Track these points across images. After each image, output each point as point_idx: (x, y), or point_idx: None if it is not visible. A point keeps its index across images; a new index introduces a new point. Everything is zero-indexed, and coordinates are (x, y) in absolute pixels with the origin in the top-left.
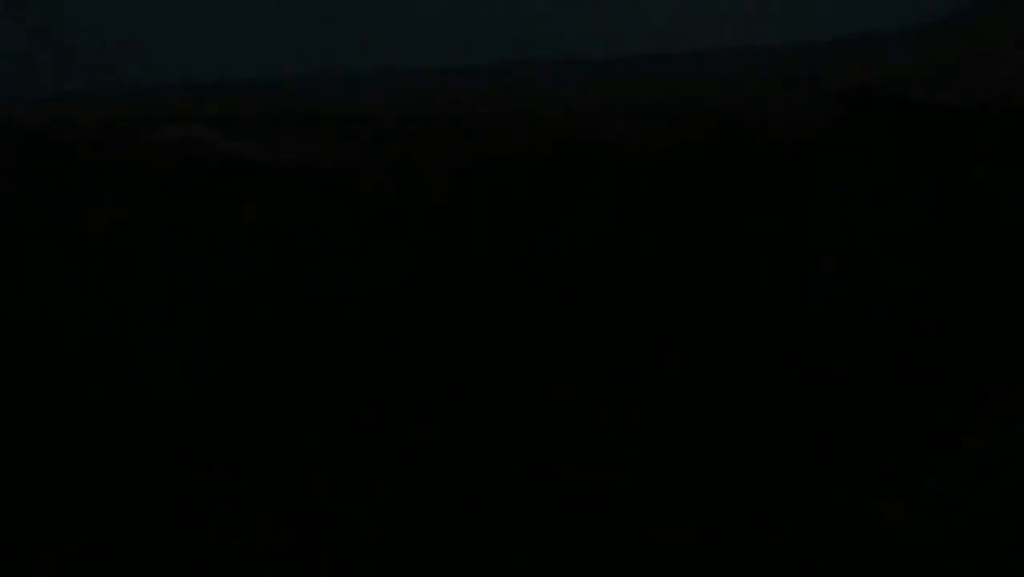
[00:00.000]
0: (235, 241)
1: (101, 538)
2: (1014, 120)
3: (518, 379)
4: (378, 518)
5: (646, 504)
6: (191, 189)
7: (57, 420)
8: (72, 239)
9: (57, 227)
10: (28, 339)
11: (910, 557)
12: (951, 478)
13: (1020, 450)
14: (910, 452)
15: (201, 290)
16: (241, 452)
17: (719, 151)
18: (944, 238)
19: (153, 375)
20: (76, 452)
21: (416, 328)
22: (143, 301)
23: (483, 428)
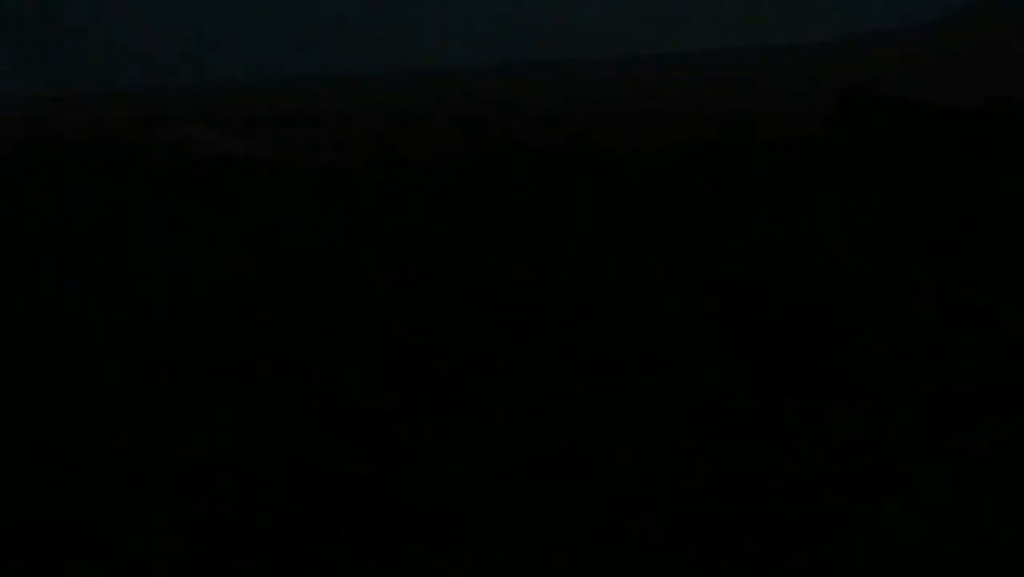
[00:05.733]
0: (234, 241)
1: (99, 536)
2: (1014, 120)
3: (517, 376)
4: (377, 516)
5: (646, 504)
6: (191, 189)
7: (57, 419)
8: (71, 238)
9: (56, 226)
10: (28, 337)
11: (910, 557)
12: (951, 478)
13: (1020, 450)
14: (910, 452)
15: (200, 288)
16: (241, 450)
17: (719, 150)
18: (944, 237)
19: (153, 373)
20: (75, 450)
21: (416, 326)
22: (142, 300)
23: (479, 424)
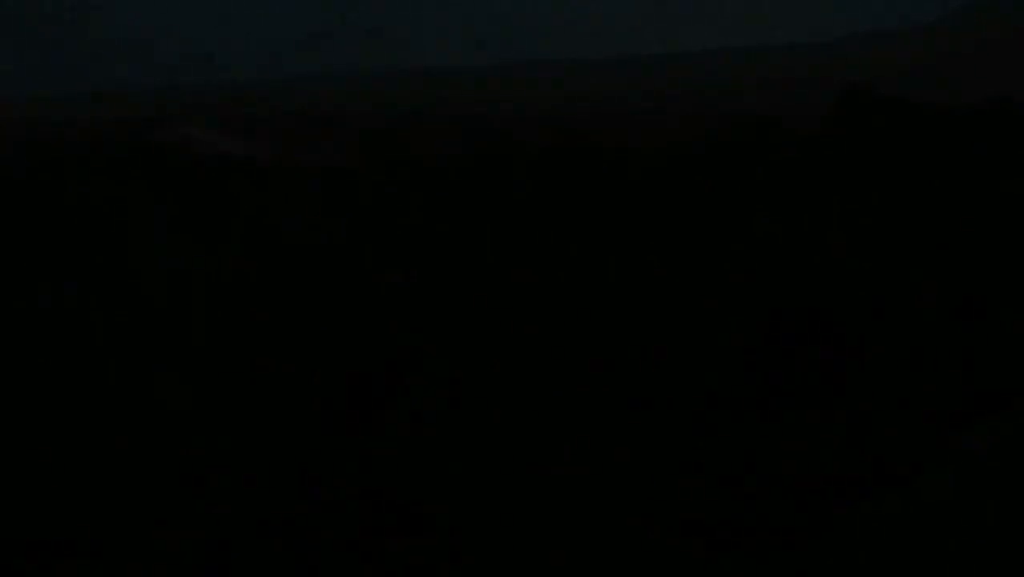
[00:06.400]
0: (234, 240)
1: (98, 536)
2: (1014, 120)
3: (517, 376)
4: (377, 515)
5: (647, 504)
6: (191, 189)
7: (57, 418)
8: (71, 238)
9: (56, 226)
10: (28, 337)
11: (910, 557)
12: (951, 478)
13: (1020, 450)
14: (910, 452)
15: (200, 288)
16: (241, 450)
17: (719, 150)
18: (944, 237)
19: (153, 373)
20: (76, 449)
21: (416, 325)
22: (142, 299)
23: (480, 423)
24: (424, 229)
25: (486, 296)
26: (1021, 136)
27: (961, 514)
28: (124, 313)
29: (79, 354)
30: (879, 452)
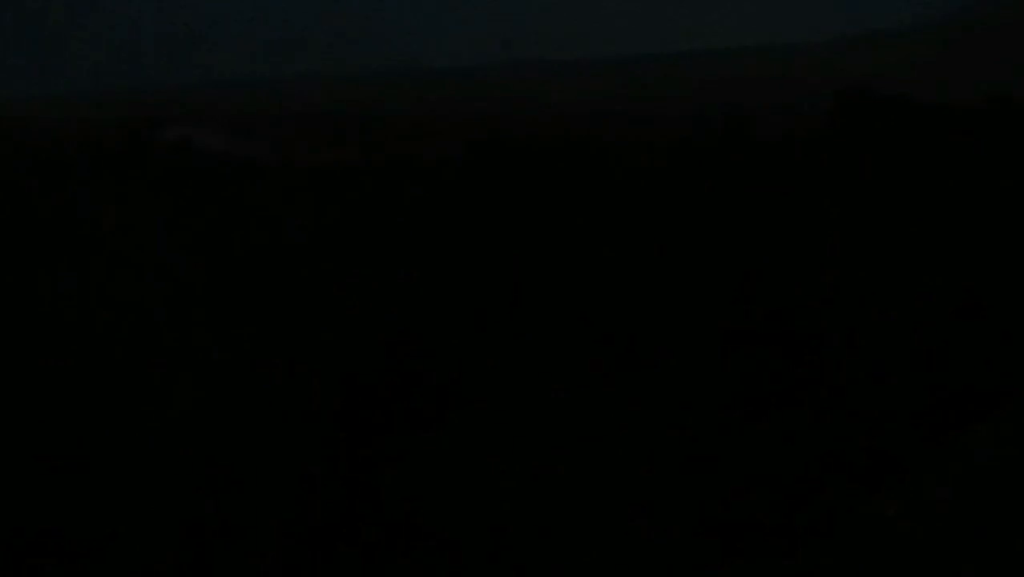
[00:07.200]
0: (234, 240)
1: (103, 537)
2: (1014, 120)
3: (519, 376)
4: (377, 515)
5: (647, 503)
6: (191, 189)
7: (55, 418)
8: (72, 239)
9: (57, 227)
10: (28, 338)
11: (910, 557)
12: (951, 478)
13: (1020, 450)
14: (910, 452)
15: (200, 288)
16: (241, 452)
17: (719, 150)
18: (944, 237)
19: (154, 374)
20: (78, 451)
21: (417, 326)
22: (143, 301)
23: (481, 426)
24: (425, 229)
25: (486, 296)
26: (1021, 136)
27: (961, 514)
28: (124, 314)
29: (78, 355)
30: (879, 452)
